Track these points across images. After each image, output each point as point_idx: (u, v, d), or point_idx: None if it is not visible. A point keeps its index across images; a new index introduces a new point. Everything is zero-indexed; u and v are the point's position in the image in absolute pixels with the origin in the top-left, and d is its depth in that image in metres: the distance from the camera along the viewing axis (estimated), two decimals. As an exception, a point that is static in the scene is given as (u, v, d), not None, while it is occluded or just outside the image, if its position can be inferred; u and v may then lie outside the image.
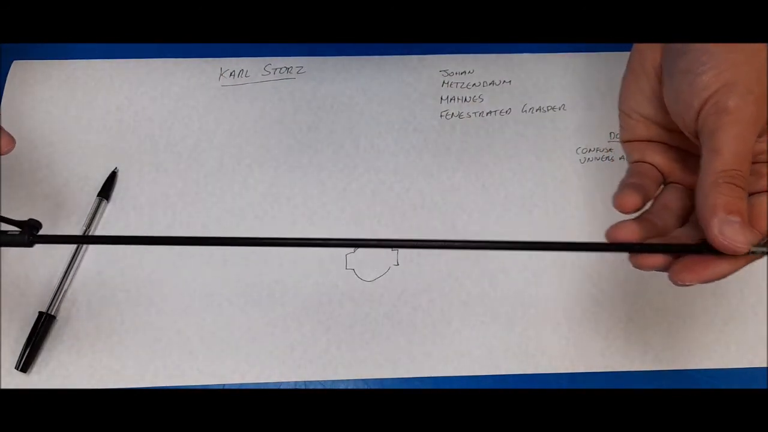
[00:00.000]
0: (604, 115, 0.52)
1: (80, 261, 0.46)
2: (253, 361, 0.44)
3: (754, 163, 0.30)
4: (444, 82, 0.53)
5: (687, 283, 0.30)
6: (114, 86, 0.52)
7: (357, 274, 0.47)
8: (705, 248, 0.29)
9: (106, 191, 0.47)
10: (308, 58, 0.53)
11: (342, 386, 0.44)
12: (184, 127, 0.50)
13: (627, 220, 0.32)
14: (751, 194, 0.30)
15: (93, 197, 0.47)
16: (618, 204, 0.32)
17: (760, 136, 0.30)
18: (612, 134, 0.52)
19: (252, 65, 0.53)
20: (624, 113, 0.35)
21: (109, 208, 0.47)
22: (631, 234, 0.31)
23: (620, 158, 0.51)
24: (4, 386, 0.43)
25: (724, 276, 0.30)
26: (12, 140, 0.35)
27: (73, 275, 0.45)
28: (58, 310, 0.45)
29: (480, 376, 0.44)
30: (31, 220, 0.33)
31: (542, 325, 0.46)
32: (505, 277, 0.47)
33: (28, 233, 0.32)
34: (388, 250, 0.47)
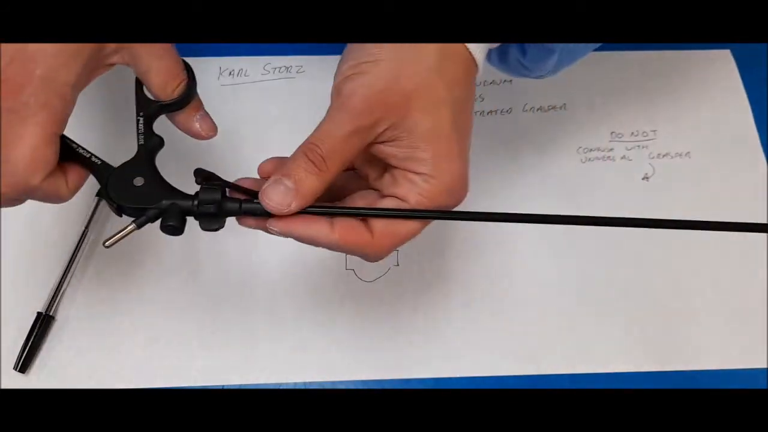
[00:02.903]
0: (604, 115, 0.52)
1: (79, 261, 0.46)
2: (253, 362, 0.44)
3: (395, 168, 0.31)
4: (444, 81, 0.52)
5: (273, 230, 0.31)
6: (112, 86, 0.51)
7: (357, 274, 0.47)
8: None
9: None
10: (308, 57, 0.53)
11: (342, 387, 0.44)
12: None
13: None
14: (384, 195, 0.32)
15: (91, 197, 0.47)
16: (258, 168, 0.33)
17: (388, 137, 0.30)
18: (613, 134, 0.52)
19: (251, 64, 0.53)
20: None
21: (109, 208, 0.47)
22: (270, 167, 0.32)
23: (621, 158, 0.51)
24: (2, 386, 0.43)
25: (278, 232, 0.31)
26: (215, 127, 0.36)
27: (72, 275, 0.45)
28: (56, 310, 0.44)
29: (480, 377, 0.44)
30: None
31: (543, 326, 0.45)
32: (505, 277, 0.47)
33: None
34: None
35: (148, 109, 0.34)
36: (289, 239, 0.32)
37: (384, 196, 0.32)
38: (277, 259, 0.47)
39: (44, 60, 0.30)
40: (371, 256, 0.32)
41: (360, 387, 0.44)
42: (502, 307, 0.46)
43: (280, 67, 0.53)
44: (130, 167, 0.32)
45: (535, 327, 0.45)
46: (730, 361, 0.45)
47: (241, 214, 0.31)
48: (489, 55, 0.34)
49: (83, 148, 0.33)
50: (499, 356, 0.45)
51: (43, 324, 0.43)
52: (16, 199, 0.31)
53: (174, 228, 0.31)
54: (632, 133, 0.52)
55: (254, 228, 0.32)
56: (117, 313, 0.45)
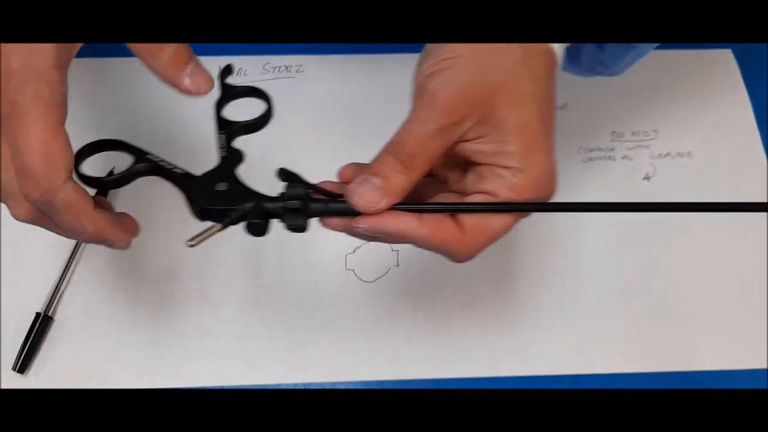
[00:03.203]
0: (605, 115, 0.52)
1: (78, 261, 0.45)
2: (252, 363, 0.44)
3: (481, 164, 0.30)
4: (444, 81, 0.52)
5: (363, 226, 0.30)
6: (111, 85, 0.51)
7: (357, 274, 0.46)
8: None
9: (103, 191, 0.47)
10: (307, 57, 0.53)
11: (342, 387, 0.44)
12: (182, 127, 0.50)
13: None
14: (469, 194, 0.31)
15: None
16: (339, 173, 0.33)
17: (474, 135, 0.30)
18: (614, 134, 0.52)
19: (251, 64, 0.52)
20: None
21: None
22: (350, 172, 0.32)
23: (622, 158, 0.51)
24: (1, 387, 0.43)
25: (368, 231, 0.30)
26: (210, 79, 0.34)
27: (71, 276, 0.45)
28: (55, 310, 0.44)
29: (481, 377, 0.44)
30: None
31: (543, 327, 0.45)
32: (506, 278, 0.47)
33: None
34: (389, 250, 0.47)
35: (229, 127, 0.35)
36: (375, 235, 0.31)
37: (470, 194, 0.31)
38: (277, 259, 0.46)
39: (15, 52, 0.28)
40: (460, 254, 0.31)
41: (360, 387, 0.44)
42: (503, 308, 0.46)
43: (280, 67, 0.52)
44: (212, 174, 0.33)
45: (535, 327, 0.45)
46: (730, 362, 0.45)
47: (327, 214, 0.31)
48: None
49: (165, 161, 0.33)
50: (499, 356, 0.45)
51: (41, 324, 0.43)
52: (44, 210, 0.30)
53: (259, 226, 0.30)
54: (633, 132, 0.52)
55: (339, 229, 0.31)
56: (116, 313, 0.45)
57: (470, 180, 0.31)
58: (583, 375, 0.44)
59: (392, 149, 0.30)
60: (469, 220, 0.30)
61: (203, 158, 0.49)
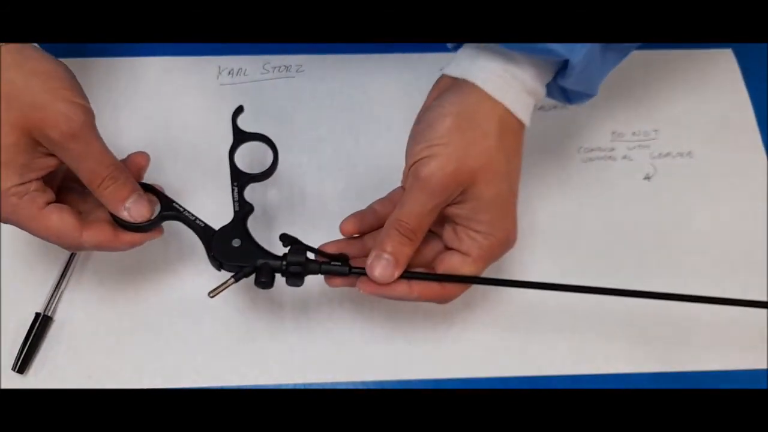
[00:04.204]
0: (605, 115, 0.52)
1: (77, 262, 0.45)
2: (252, 363, 0.44)
3: (457, 224, 0.37)
4: (444, 80, 0.52)
5: (365, 292, 0.38)
6: (111, 85, 0.51)
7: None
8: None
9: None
10: (307, 56, 0.53)
11: (342, 387, 0.44)
12: (182, 126, 0.50)
13: (356, 213, 0.40)
14: (448, 248, 0.38)
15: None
16: (340, 228, 0.39)
17: (453, 200, 0.36)
18: (614, 134, 0.52)
19: (251, 63, 0.52)
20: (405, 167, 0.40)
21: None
22: (351, 226, 0.40)
23: (623, 158, 0.51)
24: (1, 387, 0.43)
25: (397, 296, 0.38)
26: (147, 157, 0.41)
27: (70, 276, 0.45)
28: (55, 311, 0.44)
29: (481, 378, 0.44)
30: (342, 254, 0.38)
31: (544, 327, 0.45)
32: (505, 278, 0.46)
33: (348, 265, 0.38)
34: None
35: (240, 179, 0.40)
36: None
37: (448, 249, 0.38)
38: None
39: None
40: (442, 302, 0.39)
41: (360, 387, 0.44)
42: (503, 308, 0.46)
43: (280, 66, 0.52)
44: (228, 230, 0.39)
45: (535, 327, 0.45)
46: (730, 362, 0.45)
47: (322, 273, 0.38)
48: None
49: (188, 212, 0.40)
50: (499, 357, 0.44)
51: (41, 325, 0.43)
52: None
53: (265, 283, 0.37)
54: (633, 132, 0.52)
55: (340, 287, 0.39)
56: (115, 313, 0.44)
57: (448, 233, 0.38)
58: (583, 375, 0.44)
59: (397, 226, 0.37)
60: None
61: (204, 158, 0.49)
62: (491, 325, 0.45)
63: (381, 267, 0.37)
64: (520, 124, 0.38)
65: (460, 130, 0.36)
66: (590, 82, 0.39)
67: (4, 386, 0.43)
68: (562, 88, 0.39)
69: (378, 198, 0.41)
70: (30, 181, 0.35)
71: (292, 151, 0.49)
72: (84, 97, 0.36)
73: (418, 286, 0.38)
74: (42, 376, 0.43)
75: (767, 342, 0.46)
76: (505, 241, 0.38)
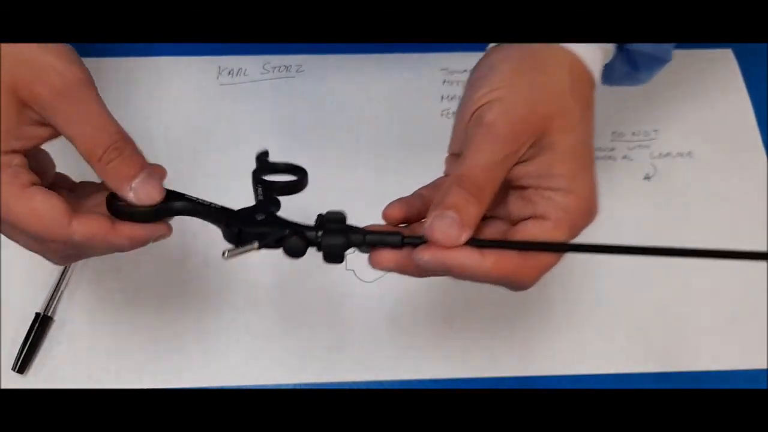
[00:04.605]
0: (605, 115, 0.52)
1: (77, 262, 0.45)
2: (252, 364, 0.44)
3: (526, 188, 0.31)
4: (445, 80, 0.52)
5: (424, 262, 0.30)
6: (111, 85, 0.51)
7: (357, 275, 0.46)
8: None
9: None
10: (307, 56, 0.53)
11: (342, 387, 0.44)
12: (182, 127, 0.50)
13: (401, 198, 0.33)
14: (518, 220, 0.31)
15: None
16: (384, 214, 0.33)
17: (520, 157, 0.30)
18: (614, 134, 0.52)
19: (251, 63, 0.52)
20: (453, 131, 0.35)
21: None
22: (397, 210, 0.32)
23: (623, 158, 0.51)
24: (1, 387, 0.43)
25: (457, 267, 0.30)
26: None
27: (70, 276, 0.45)
28: (55, 311, 0.44)
29: (481, 377, 0.44)
30: (394, 230, 0.31)
31: (544, 327, 0.45)
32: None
33: (400, 234, 0.30)
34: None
35: (268, 190, 0.34)
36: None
37: (518, 221, 0.31)
38: (277, 259, 0.46)
39: None
40: (521, 282, 0.31)
41: (360, 387, 0.44)
42: (503, 308, 0.46)
43: (280, 66, 0.52)
44: (251, 209, 0.32)
45: (535, 327, 0.45)
46: (730, 362, 0.45)
47: (367, 245, 0.31)
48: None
49: (200, 199, 0.33)
50: (499, 357, 0.44)
51: (41, 325, 0.43)
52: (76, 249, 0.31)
53: (297, 247, 0.31)
54: (633, 132, 0.52)
55: (391, 267, 0.31)
56: (115, 313, 0.44)
57: (515, 205, 0.31)
58: (583, 375, 0.44)
59: (460, 182, 0.30)
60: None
61: (204, 158, 0.49)
62: (491, 325, 0.45)
63: (444, 226, 0.29)
64: (591, 79, 0.33)
65: (527, 74, 0.31)
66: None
67: (4, 386, 0.43)
68: (628, 52, 0.35)
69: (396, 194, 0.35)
70: (14, 152, 0.29)
71: (292, 150, 0.49)
72: (82, 62, 0.30)
73: (493, 256, 0.29)
74: (42, 376, 0.43)
75: (767, 342, 0.46)
76: (588, 204, 0.31)
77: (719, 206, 0.50)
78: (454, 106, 0.51)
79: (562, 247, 0.30)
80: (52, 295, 0.44)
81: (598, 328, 0.46)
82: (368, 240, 0.30)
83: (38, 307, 0.44)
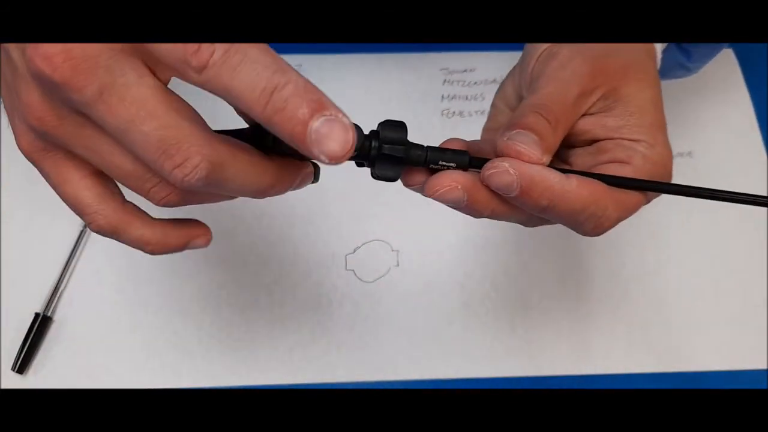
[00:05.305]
0: (605, 115, 0.52)
1: (77, 261, 0.45)
2: (252, 363, 0.44)
3: (603, 140, 0.28)
4: (445, 80, 0.52)
5: (503, 167, 0.26)
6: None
7: (357, 275, 0.46)
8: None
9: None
10: (307, 56, 0.53)
11: (342, 387, 0.44)
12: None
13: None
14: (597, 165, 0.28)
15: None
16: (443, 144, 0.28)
17: (588, 109, 0.28)
18: (613, 133, 0.52)
19: (251, 63, 0.52)
20: (494, 105, 0.34)
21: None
22: (458, 142, 0.29)
23: (621, 158, 0.51)
24: (0, 387, 0.43)
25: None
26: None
27: (70, 276, 0.45)
28: (54, 311, 0.44)
29: (481, 378, 0.44)
30: (462, 150, 0.27)
31: (544, 327, 0.45)
32: (506, 278, 0.47)
33: (467, 155, 0.26)
34: (389, 250, 0.47)
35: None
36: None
37: (600, 165, 0.28)
38: (277, 259, 0.46)
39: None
40: (602, 216, 0.26)
41: (360, 387, 0.44)
42: (502, 308, 0.46)
43: (280, 66, 0.52)
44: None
45: (535, 327, 0.45)
46: (730, 362, 0.45)
47: (430, 163, 0.26)
48: None
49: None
50: (499, 357, 0.44)
51: (41, 325, 0.43)
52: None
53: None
54: (633, 132, 0.52)
55: (454, 193, 0.25)
56: (115, 313, 0.44)
57: (583, 159, 0.29)
58: (583, 375, 0.44)
59: (538, 109, 0.26)
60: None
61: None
62: (491, 325, 0.45)
63: (527, 141, 0.25)
64: (656, 55, 0.31)
65: (592, 45, 0.29)
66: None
67: (4, 386, 0.43)
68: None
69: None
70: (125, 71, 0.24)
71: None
72: None
73: (578, 180, 0.26)
74: (42, 376, 0.43)
75: (767, 342, 0.46)
76: (668, 160, 0.29)
77: (719, 206, 0.50)
78: (454, 106, 0.51)
79: (654, 186, 0.27)
80: (52, 295, 0.44)
81: (598, 328, 0.46)
82: (430, 157, 0.25)
83: (38, 307, 0.44)
